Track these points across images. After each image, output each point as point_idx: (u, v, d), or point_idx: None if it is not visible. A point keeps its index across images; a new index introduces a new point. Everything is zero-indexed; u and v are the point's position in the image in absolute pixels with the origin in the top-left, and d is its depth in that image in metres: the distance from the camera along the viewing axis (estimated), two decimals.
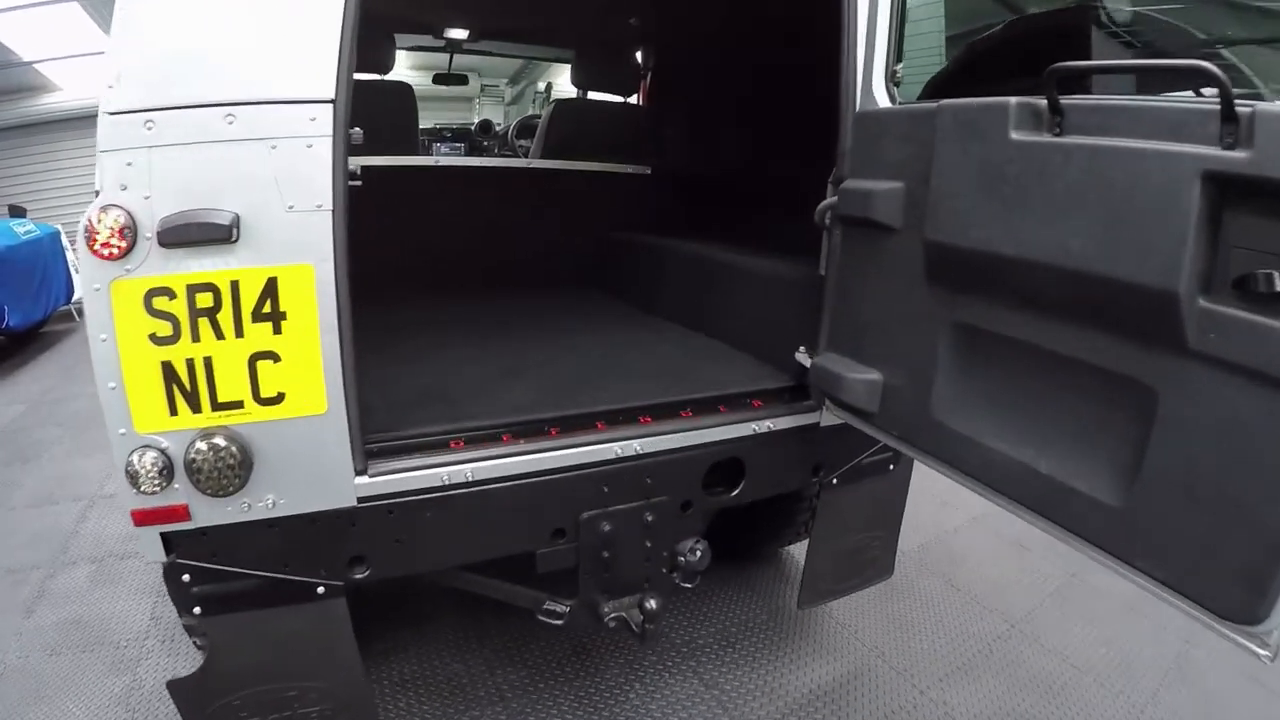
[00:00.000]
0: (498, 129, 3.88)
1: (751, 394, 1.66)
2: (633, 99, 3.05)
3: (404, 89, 2.56)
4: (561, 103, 2.90)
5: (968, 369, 1.24)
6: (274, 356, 1.19)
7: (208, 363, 1.17)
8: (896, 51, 1.41)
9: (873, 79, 1.41)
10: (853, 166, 1.44)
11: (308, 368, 1.20)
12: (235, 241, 1.13)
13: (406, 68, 4.25)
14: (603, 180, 2.89)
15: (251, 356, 1.18)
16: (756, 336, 1.95)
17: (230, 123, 1.11)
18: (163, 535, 1.25)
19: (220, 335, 1.16)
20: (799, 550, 2.63)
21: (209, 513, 1.24)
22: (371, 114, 2.62)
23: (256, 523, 1.27)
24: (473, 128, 3.87)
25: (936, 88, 1.42)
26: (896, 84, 1.40)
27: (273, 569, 1.31)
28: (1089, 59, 1.25)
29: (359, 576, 1.36)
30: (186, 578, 1.28)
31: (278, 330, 1.18)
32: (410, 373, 1.70)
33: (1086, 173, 1.00)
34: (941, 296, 1.25)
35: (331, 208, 1.14)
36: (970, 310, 1.20)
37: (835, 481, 1.78)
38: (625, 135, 2.94)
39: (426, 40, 3.39)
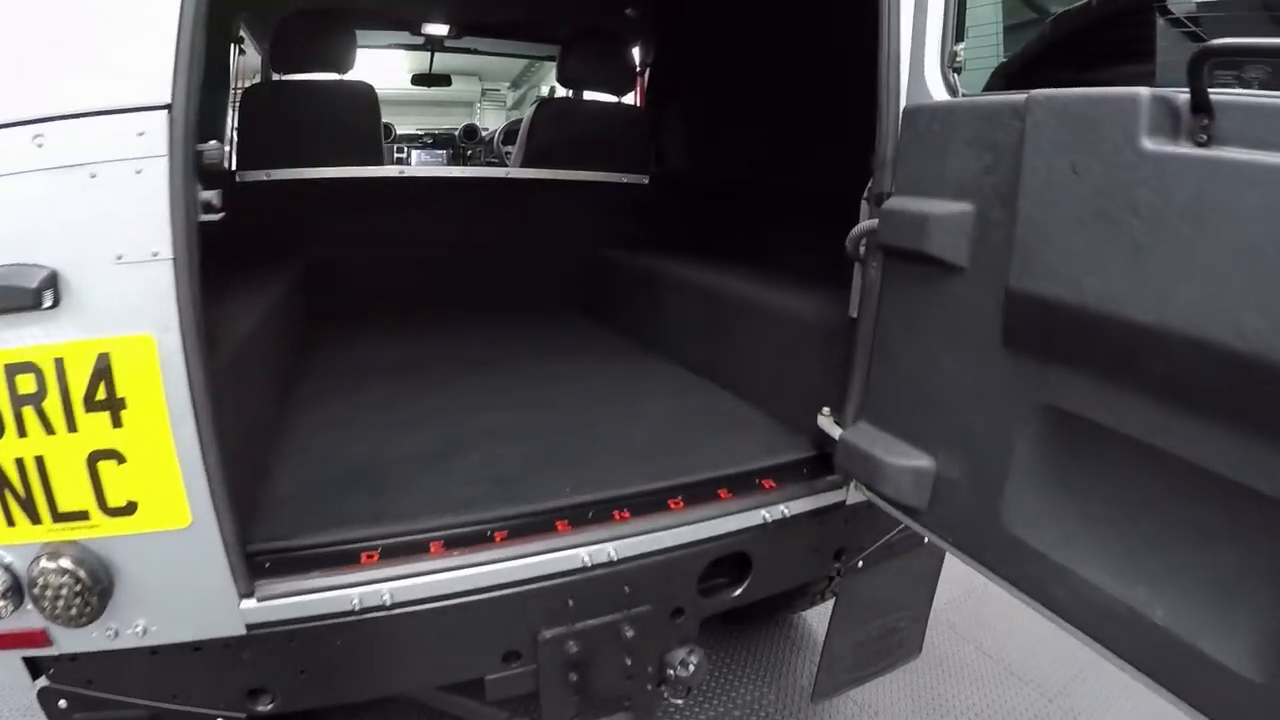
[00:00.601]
0: (484, 135, 3.57)
1: (762, 471, 1.33)
2: (628, 99, 2.72)
3: (363, 90, 2.25)
4: (545, 103, 2.58)
5: (1059, 470, 0.91)
6: (117, 456, 0.89)
7: (40, 463, 0.89)
8: (956, 28, 1.07)
9: (924, 63, 1.07)
10: (900, 180, 1.10)
11: (160, 469, 0.90)
12: (54, 307, 0.83)
13: (408, 71, 4.00)
14: (594, 191, 2.56)
15: (90, 456, 0.89)
16: (770, 388, 1.61)
17: (40, 146, 0.81)
18: (27, 659, 1.03)
19: (50, 429, 0.88)
20: (814, 615, 2.31)
21: (70, 640, 0.99)
22: (327, 119, 2.36)
23: (132, 650, 1.00)
24: (456, 133, 3.57)
25: (1011, 76, 1.08)
26: (957, 70, 1.07)
27: (160, 699, 1.07)
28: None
29: (263, 710, 1.08)
30: (63, 704, 1.06)
31: (117, 422, 0.88)
32: (340, 441, 1.39)
33: (1265, 208, 0.66)
34: (1026, 367, 0.91)
35: (172, 255, 0.83)
36: (1068, 391, 0.86)
37: (861, 564, 1.46)
38: (620, 140, 2.61)
39: (403, 38, 3.09)
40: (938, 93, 1.07)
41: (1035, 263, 0.86)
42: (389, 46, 3.28)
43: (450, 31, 2.97)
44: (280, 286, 1.74)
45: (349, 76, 2.28)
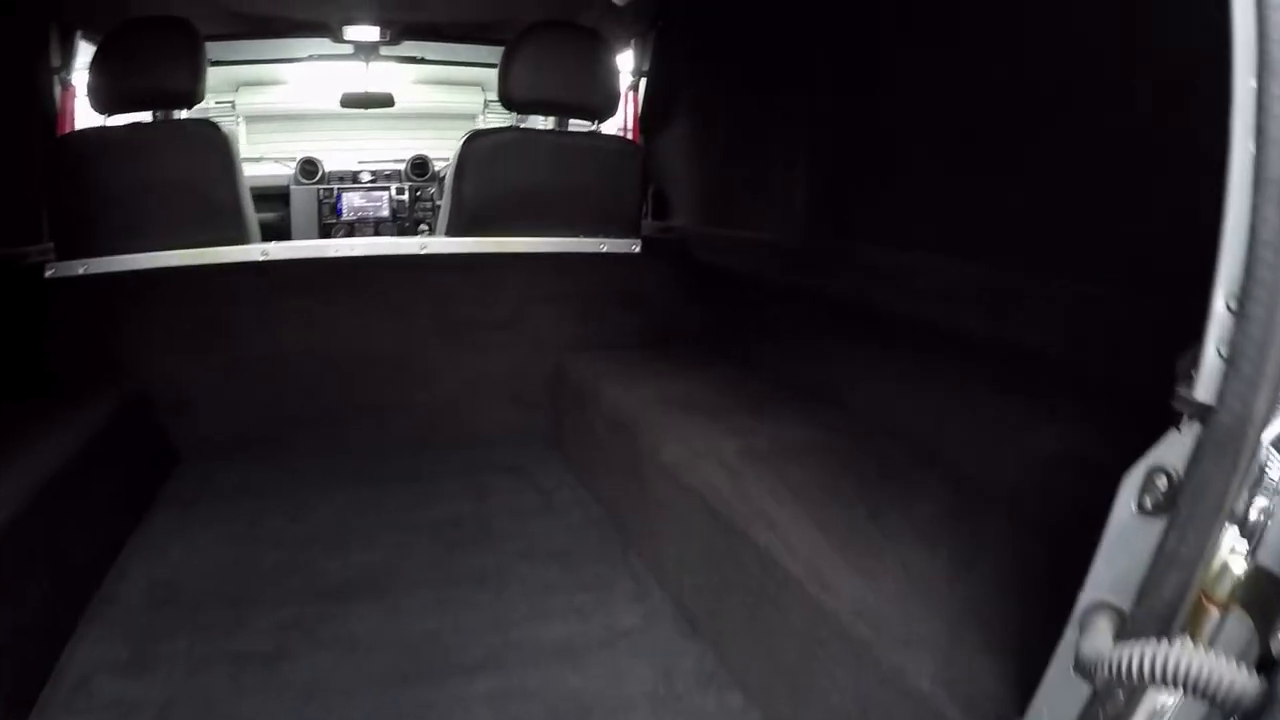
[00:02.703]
0: (437, 170, 2.79)
1: None
2: (610, 128, 1.92)
3: (209, 135, 1.52)
4: (480, 136, 1.74)
5: None
6: None
7: None
8: None
9: None
10: None
11: None
12: None
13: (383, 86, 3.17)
14: (557, 268, 1.77)
15: None
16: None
17: None
18: None
19: None
20: None
21: None
22: (161, 180, 1.63)
23: None
24: (403, 168, 2.80)
25: None
26: None
27: None
28: None
29: None
30: None
31: None
32: None
33: None
34: None
35: None
36: None
37: None
38: (597, 188, 1.79)
39: (324, 47, 2.37)
40: None
41: None
42: (309, 59, 2.56)
43: (384, 36, 2.22)
44: (44, 470, 1.06)
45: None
